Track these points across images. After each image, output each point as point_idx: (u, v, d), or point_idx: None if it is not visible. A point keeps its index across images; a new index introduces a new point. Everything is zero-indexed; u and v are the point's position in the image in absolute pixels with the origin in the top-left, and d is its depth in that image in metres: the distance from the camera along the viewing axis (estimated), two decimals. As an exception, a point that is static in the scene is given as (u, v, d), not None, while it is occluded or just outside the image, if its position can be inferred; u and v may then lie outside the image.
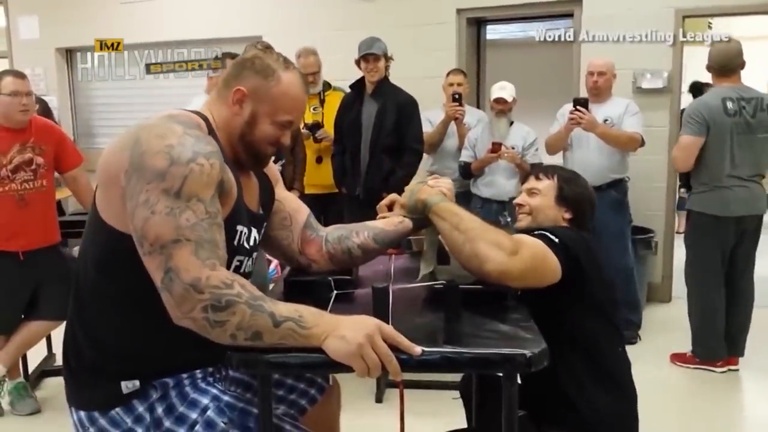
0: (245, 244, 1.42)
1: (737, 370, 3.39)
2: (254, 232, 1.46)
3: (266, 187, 1.55)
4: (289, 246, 1.60)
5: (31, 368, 3.32)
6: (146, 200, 1.19)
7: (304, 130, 3.80)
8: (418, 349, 1.17)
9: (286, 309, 1.17)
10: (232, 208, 1.35)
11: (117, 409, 1.34)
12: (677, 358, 3.47)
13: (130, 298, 1.31)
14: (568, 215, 1.79)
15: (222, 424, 1.33)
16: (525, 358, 1.16)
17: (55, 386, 3.32)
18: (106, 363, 1.35)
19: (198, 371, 1.40)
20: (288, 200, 1.64)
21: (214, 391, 1.38)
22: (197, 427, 1.33)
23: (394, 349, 1.16)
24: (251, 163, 1.44)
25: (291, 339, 1.16)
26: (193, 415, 1.34)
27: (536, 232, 1.59)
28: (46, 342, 3.44)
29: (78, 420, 1.39)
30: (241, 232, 1.40)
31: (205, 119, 1.37)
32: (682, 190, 3.41)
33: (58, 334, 3.17)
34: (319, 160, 3.95)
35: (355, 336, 1.13)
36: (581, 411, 1.58)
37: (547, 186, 1.81)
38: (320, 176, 3.92)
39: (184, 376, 1.38)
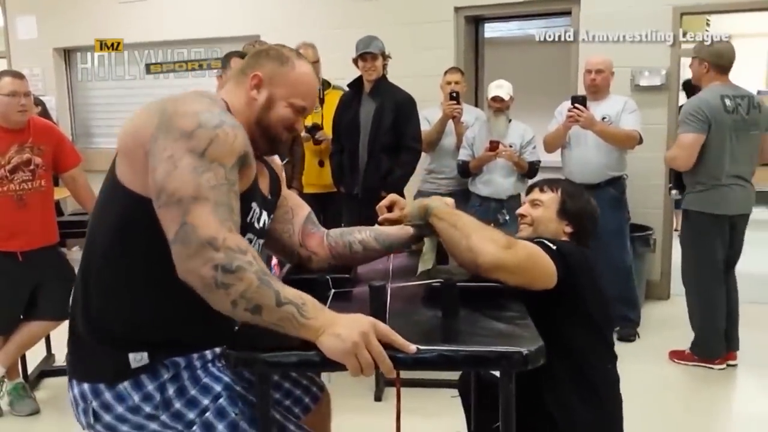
0: (256, 224, 1.44)
1: (736, 365, 3.40)
2: (264, 215, 1.48)
3: (275, 178, 1.58)
4: (290, 239, 1.62)
5: (30, 369, 3.31)
6: (170, 156, 1.20)
7: (303, 134, 3.77)
8: (412, 348, 1.17)
9: (291, 293, 1.17)
10: (250, 184, 1.38)
11: (124, 384, 1.33)
12: (676, 355, 3.48)
13: (144, 264, 1.31)
14: (569, 229, 1.80)
15: (233, 415, 1.33)
16: (521, 355, 1.16)
17: (54, 386, 3.32)
18: (114, 331, 1.33)
19: (208, 353, 1.40)
20: (290, 196, 1.66)
21: (227, 379, 1.38)
22: (208, 414, 1.33)
23: (390, 347, 1.17)
24: (266, 147, 1.46)
25: (288, 324, 1.15)
26: (205, 401, 1.34)
27: (535, 240, 1.61)
28: (45, 342, 3.44)
29: (80, 393, 1.36)
30: (254, 210, 1.42)
31: (226, 105, 1.39)
32: (674, 192, 3.38)
33: (58, 334, 3.19)
34: (321, 163, 3.93)
35: (350, 334, 1.14)
36: (560, 427, 1.58)
37: (550, 199, 1.83)
38: (321, 177, 3.91)
39: (195, 356, 1.38)
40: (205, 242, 1.15)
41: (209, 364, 1.39)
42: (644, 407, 2.85)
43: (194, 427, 1.33)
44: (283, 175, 1.67)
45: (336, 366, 1.16)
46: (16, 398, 3.03)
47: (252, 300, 1.14)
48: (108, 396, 1.34)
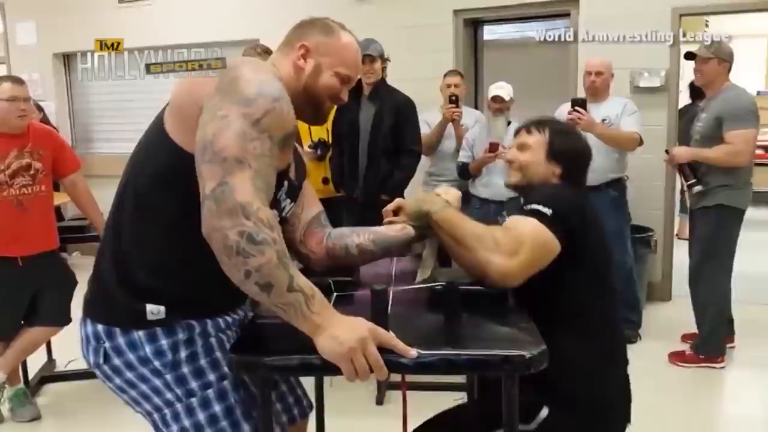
0: (280, 204, 1.45)
1: (733, 347, 3.52)
2: (287, 200, 1.48)
3: (300, 166, 1.58)
4: (292, 232, 1.61)
5: (31, 374, 3.31)
6: (224, 116, 1.20)
7: (307, 149, 3.73)
8: (413, 353, 1.17)
9: (304, 282, 1.17)
10: (285, 166, 1.39)
11: (139, 333, 1.34)
12: (678, 358, 3.47)
13: (176, 217, 1.32)
14: (558, 170, 1.72)
15: (232, 401, 1.35)
16: (524, 359, 1.16)
17: (55, 392, 3.32)
18: (137, 276, 1.35)
19: (221, 320, 1.41)
20: (307, 192, 1.65)
21: None
22: (210, 391, 1.34)
23: (391, 351, 1.16)
24: (311, 115, 1.46)
25: (292, 311, 1.15)
26: (211, 376, 1.35)
27: (527, 208, 1.55)
28: (46, 348, 3.43)
29: (93, 332, 1.38)
30: (283, 191, 1.44)
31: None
32: (698, 187, 3.32)
33: (58, 340, 3.19)
34: (325, 181, 3.89)
35: (348, 339, 1.14)
36: (561, 391, 1.52)
37: (537, 141, 1.74)
38: (324, 191, 3.88)
39: (209, 323, 1.39)
40: (238, 206, 1.15)
41: (222, 335, 1.41)
42: (646, 409, 2.83)
43: (192, 398, 1.34)
44: (306, 166, 1.67)
45: (336, 370, 1.16)
46: (17, 404, 3.02)
47: (266, 276, 1.14)
48: (121, 341, 1.35)
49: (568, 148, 1.75)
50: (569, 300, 1.56)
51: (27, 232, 2.90)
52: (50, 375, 3.43)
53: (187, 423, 1.34)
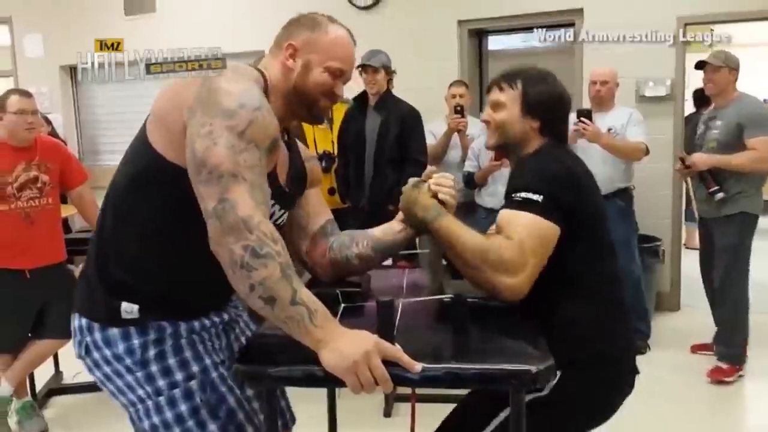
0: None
1: (746, 357, 3.48)
2: (276, 207, 1.45)
3: (297, 172, 1.54)
4: (299, 245, 1.61)
5: (38, 387, 3.31)
6: (210, 132, 1.20)
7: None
8: (418, 366, 1.16)
9: (307, 296, 1.17)
10: (271, 169, 1.39)
11: (113, 330, 1.37)
12: (719, 373, 3.36)
13: (153, 221, 1.34)
14: (536, 124, 1.63)
15: (198, 401, 1.35)
16: (531, 374, 1.15)
17: (63, 405, 3.31)
18: (113, 275, 1.37)
19: (196, 323, 1.42)
20: (312, 200, 1.63)
21: (207, 361, 1.39)
22: (176, 390, 1.35)
23: (397, 364, 1.16)
24: (306, 115, 1.46)
25: (294, 325, 1.16)
26: (178, 376, 1.36)
27: (516, 198, 1.49)
28: (53, 360, 3.43)
29: (79, 326, 1.43)
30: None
31: (264, 77, 1.40)
32: (720, 194, 3.28)
33: (66, 352, 3.19)
34: (331, 191, 3.88)
35: (352, 352, 1.13)
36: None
37: (511, 97, 1.65)
38: (331, 201, 3.88)
39: (183, 325, 1.40)
40: (240, 221, 1.16)
41: (195, 336, 1.41)
42: (658, 419, 2.81)
43: (160, 397, 1.36)
44: (318, 178, 1.65)
45: (342, 382, 1.16)
46: (24, 417, 3.02)
47: (269, 290, 1.14)
48: (98, 336, 1.39)
49: (543, 99, 1.63)
50: (570, 276, 1.54)
51: (34, 245, 2.90)
52: (57, 387, 3.43)
53: (156, 420, 1.36)
